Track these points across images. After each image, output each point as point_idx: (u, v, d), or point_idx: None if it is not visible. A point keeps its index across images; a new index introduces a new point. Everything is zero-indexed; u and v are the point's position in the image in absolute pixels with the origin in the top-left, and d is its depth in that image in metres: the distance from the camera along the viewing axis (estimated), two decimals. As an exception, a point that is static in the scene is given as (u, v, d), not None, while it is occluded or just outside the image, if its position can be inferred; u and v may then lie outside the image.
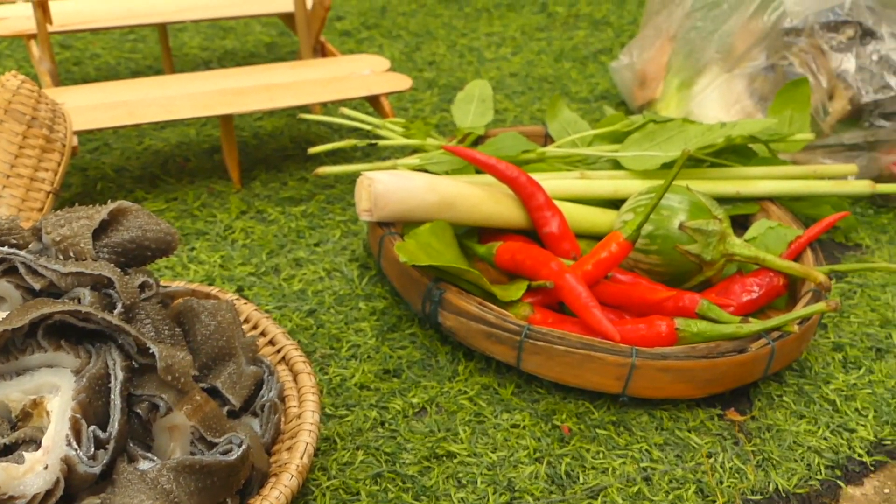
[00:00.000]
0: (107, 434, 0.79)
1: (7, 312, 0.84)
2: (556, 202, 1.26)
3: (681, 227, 1.14)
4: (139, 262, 0.91)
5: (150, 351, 0.81)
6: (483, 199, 1.20)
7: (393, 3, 2.25)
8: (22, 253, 0.85)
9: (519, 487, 0.96)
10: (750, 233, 1.24)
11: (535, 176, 1.31)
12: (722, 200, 1.33)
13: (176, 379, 0.81)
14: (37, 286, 0.84)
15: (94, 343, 0.83)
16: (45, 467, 0.76)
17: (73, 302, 0.83)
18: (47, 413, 0.80)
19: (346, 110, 1.41)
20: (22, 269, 0.85)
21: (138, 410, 0.82)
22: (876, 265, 1.15)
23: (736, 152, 1.38)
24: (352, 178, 1.48)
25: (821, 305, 1.05)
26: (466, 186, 1.20)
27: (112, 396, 0.80)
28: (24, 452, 0.77)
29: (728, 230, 1.15)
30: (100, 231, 0.89)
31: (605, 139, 1.40)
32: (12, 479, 0.75)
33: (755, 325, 1.05)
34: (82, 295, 0.83)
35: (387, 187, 1.15)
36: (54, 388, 0.80)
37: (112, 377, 0.81)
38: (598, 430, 1.03)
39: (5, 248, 0.86)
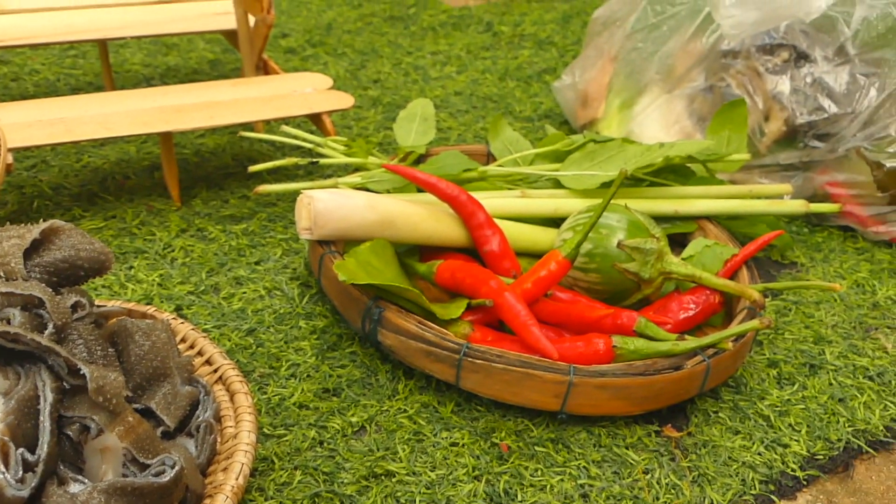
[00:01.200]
0: (35, 457, 0.78)
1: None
2: (497, 220, 1.27)
3: (619, 245, 1.15)
4: (72, 282, 0.90)
5: (81, 372, 0.80)
6: (424, 217, 1.20)
7: (339, 21, 2.25)
8: (-50, 272, 0.84)
9: (457, 506, 0.96)
10: (687, 251, 1.26)
11: (477, 194, 1.31)
12: (660, 219, 1.35)
13: (107, 400, 0.80)
14: (-35, 306, 0.83)
15: (23, 364, 0.82)
16: (-29, 491, 0.74)
17: (2, 322, 0.81)
18: (-26, 436, 0.78)
19: (287, 128, 1.41)
20: (-50, 289, 0.83)
21: (69, 432, 0.81)
22: (810, 283, 1.17)
23: (675, 172, 1.41)
24: (293, 197, 1.48)
25: (754, 323, 1.07)
26: (407, 205, 1.20)
27: (41, 418, 0.79)
28: (-51, 476, 0.75)
29: (666, 248, 1.17)
30: (31, 250, 0.88)
31: (546, 158, 1.42)
32: (-64, 503, 0.73)
33: (691, 342, 1.06)
34: (12, 315, 0.82)
35: (326, 206, 1.15)
36: (-19, 411, 0.79)
37: (41, 399, 0.79)
38: (536, 448, 1.04)
39: (-67, 268, 0.84)
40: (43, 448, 0.78)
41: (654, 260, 1.15)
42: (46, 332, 0.82)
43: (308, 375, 1.12)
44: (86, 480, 0.80)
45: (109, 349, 0.88)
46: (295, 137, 1.41)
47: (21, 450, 0.77)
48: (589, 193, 1.33)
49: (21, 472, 0.77)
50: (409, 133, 1.42)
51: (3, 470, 0.76)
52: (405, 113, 1.45)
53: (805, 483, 1.04)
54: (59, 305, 0.83)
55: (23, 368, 0.81)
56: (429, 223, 1.21)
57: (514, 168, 1.37)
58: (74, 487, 0.79)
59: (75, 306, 0.87)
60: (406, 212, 1.19)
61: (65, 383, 0.81)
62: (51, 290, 0.85)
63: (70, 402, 0.81)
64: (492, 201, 1.30)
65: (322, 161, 1.34)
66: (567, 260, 1.13)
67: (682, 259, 1.24)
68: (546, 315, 1.15)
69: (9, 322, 0.81)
